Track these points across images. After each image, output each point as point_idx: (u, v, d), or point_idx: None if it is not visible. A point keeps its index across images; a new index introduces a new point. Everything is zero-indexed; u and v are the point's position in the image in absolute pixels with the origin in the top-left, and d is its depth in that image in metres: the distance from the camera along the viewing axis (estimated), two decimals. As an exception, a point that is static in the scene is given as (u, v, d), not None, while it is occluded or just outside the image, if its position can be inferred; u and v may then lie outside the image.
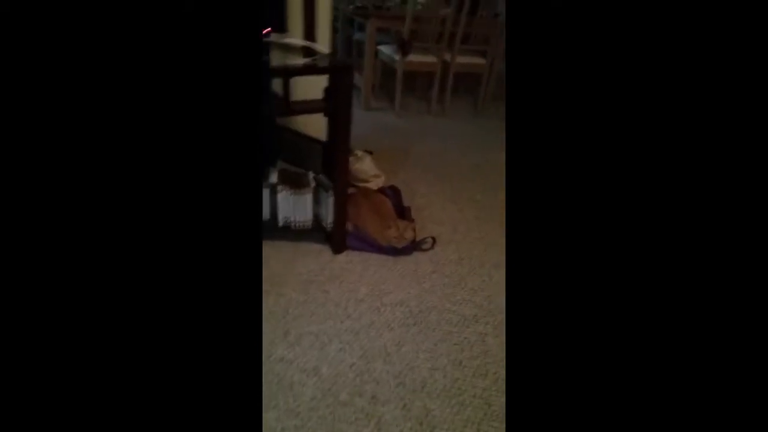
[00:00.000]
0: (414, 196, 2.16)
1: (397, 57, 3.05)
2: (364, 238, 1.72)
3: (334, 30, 3.16)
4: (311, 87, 1.45)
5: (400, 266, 1.67)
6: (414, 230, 1.71)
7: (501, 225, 2.01)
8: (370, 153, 2.20)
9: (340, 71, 1.33)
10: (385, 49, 3.25)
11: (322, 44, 1.71)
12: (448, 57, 3.15)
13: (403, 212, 1.87)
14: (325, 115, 1.53)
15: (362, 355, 1.26)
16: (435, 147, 2.79)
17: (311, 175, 1.63)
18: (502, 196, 2.28)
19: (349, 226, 1.73)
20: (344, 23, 3.99)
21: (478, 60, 3.29)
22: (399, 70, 3.07)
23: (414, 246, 1.74)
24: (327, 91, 1.43)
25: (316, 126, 1.76)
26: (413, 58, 3.06)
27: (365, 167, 2.10)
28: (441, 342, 1.35)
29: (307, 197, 1.58)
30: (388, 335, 1.35)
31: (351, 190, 1.77)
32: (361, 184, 2.09)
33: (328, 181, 1.60)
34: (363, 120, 3.08)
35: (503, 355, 1.34)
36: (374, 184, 2.14)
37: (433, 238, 1.81)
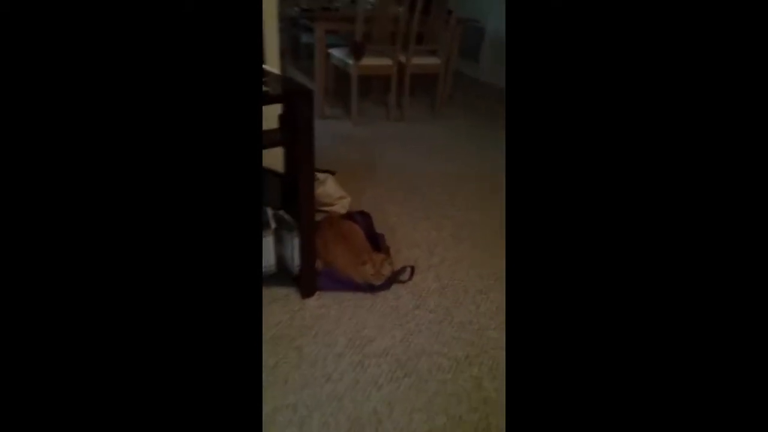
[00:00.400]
0: (385, 217, 2.00)
1: (350, 61, 2.86)
2: (337, 277, 1.54)
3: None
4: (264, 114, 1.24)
5: (380, 304, 1.51)
6: (392, 264, 1.55)
7: (477, 244, 1.89)
8: (333, 173, 2.01)
9: (296, 97, 1.13)
10: (337, 53, 3.04)
11: (271, 62, 1.49)
12: (403, 58, 2.99)
13: (377, 241, 1.70)
14: (284, 147, 1.32)
15: (350, 428, 1.10)
16: (398, 157, 2.63)
17: (270, 212, 1.42)
18: (475, 209, 2.17)
19: (319, 264, 1.54)
20: (289, 26, 3.72)
21: (433, 60, 3.17)
22: (354, 75, 2.87)
23: (392, 279, 1.58)
24: (282, 119, 1.23)
25: (270, 155, 1.54)
26: (367, 61, 2.87)
27: (329, 190, 1.91)
28: (435, 395, 1.20)
29: (268, 240, 1.37)
30: (377, 395, 1.18)
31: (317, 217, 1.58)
32: (326, 209, 1.90)
33: (290, 218, 1.40)
34: (318, 130, 2.84)
35: (503, 401, 1.22)
36: (340, 207, 1.95)
37: (412, 268, 1.66)
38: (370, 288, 1.54)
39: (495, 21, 4.22)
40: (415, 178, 2.41)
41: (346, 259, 1.56)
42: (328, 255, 1.58)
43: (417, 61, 3.07)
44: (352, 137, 2.82)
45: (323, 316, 1.44)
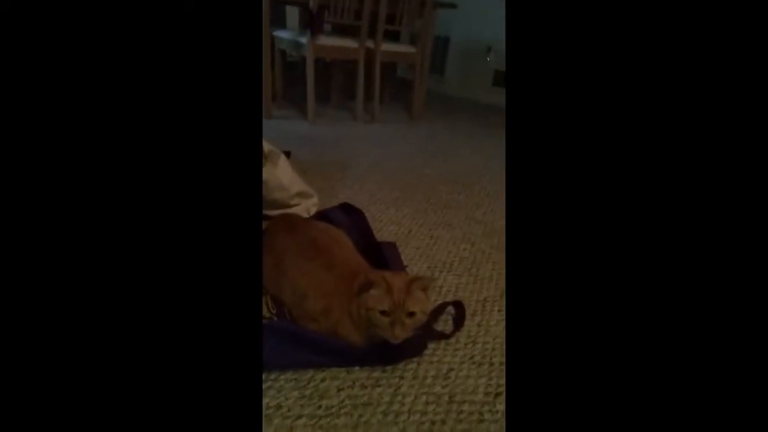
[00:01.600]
0: (379, 226, 1.19)
1: (303, 40, 2.13)
2: (303, 336, 0.69)
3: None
4: None
5: (395, 411, 0.66)
6: (426, 292, 0.72)
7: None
8: (287, 154, 1.19)
9: None
10: (285, 35, 2.32)
11: None
12: (371, 44, 2.33)
13: (379, 256, 0.88)
14: None
15: None
16: (379, 157, 1.87)
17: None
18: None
19: (268, 307, 0.69)
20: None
21: (407, 48, 2.54)
22: (309, 58, 2.14)
23: (428, 333, 0.75)
24: None
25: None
26: (327, 41, 2.17)
27: (281, 177, 1.08)
28: None
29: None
30: None
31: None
32: (278, 212, 1.07)
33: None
34: (265, 131, 2.06)
35: None
36: (302, 210, 1.12)
37: (458, 305, 0.85)
38: (379, 355, 0.70)
39: (460, 31, 3.79)
40: (407, 177, 1.64)
41: (322, 290, 0.72)
42: (284, 286, 0.74)
43: (388, 47, 2.42)
44: (313, 138, 2.04)
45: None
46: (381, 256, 0.87)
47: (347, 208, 1.07)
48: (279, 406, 0.62)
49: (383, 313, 0.66)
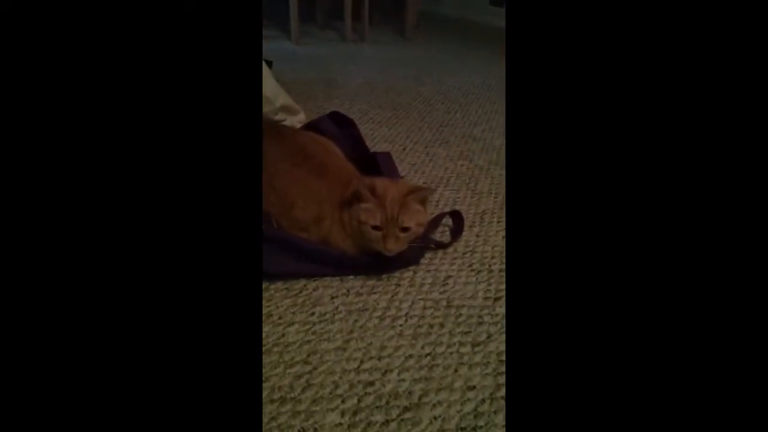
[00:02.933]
0: (372, 143, 1.12)
1: (282, -56, 1.91)
2: (295, 243, 0.65)
3: None
4: None
5: (393, 315, 0.64)
6: (425, 203, 0.67)
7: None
8: (269, 64, 1.09)
9: None
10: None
11: None
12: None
13: (372, 164, 0.82)
14: None
15: None
16: (368, 75, 1.74)
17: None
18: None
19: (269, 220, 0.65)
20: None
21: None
22: (290, -34, 1.93)
23: (425, 242, 0.72)
24: None
25: None
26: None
27: (263, 87, 0.99)
28: None
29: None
30: None
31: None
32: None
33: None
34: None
35: None
36: (289, 124, 1.05)
37: (456, 214, 0.81)
38: (374, 265, 0.66)
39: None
40: (401, 96, 1.54)
41: (313, 198, 0.67)
42: (270, 194, 0.68)
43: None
44: (298, 58, 1.89)
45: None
46: (375, 165, 0.81)
47: (337, 118, 0.99)
48: (270, 314, 0.59)
49: (375, 227, 0.62)
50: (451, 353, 0.56)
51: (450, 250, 0.75)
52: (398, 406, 0.49)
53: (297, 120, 1.09)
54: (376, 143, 1.14)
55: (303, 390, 0.50)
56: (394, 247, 0.62)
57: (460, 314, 0.62)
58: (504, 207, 0.91)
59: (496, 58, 2.39)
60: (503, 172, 1.07)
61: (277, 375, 0.51)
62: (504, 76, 1.97)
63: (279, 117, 1.04)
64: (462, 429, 0.47)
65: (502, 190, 0.98)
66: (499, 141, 1.26)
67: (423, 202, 0.67)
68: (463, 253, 0.75)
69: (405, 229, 0.63)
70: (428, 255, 0.73)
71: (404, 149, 1.13)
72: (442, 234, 0.80)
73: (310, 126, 0.97)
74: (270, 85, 1.00)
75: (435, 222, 0.79)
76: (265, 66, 1.01)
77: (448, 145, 1.19)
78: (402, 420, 0.48)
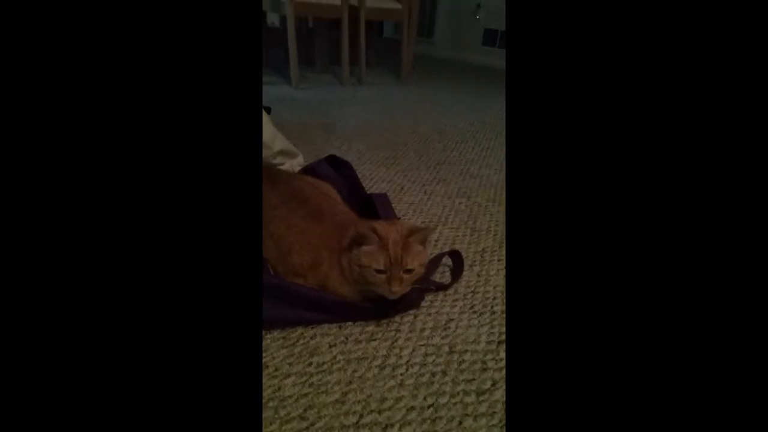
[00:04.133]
0: (369, 184, 1.13)
1: (281, -3, 2.01)
2: (290, 290, 0.64)
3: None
4: None
5: (394, 366, 0.62)
6: (425, 243, 0.67)
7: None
8: (267, 110, 1.11)
9: None
10: (262, -6, 2.18)
11: None
12: (354, 1, 2.20)
13: (369, 207, 0.82)
14: None
15: None
16: (366, 117, 1.78)
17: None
18: (500, 165, 1.36)
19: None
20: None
21: (393, 4, 2.41)
22: (289, 16, 2.02)
23: (424, 283, 0.70)
24: None
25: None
26: (307, -2, 2.04)
27: (262, 133, 1.00)
28: None
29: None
30: None
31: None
32: (260, 172, 0.99)
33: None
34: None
35: None
36: (288, 167, 1.06)
37: (456, 255, 0.80)
38: (374, 310, 0.65)
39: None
40: (398, 136, 1.57)
41: (309, 243, 0.67)
42: (266, 240, 0.68)
43: (373, 3, 2.29)
44: (297, 101, 1.94)
45: (266, 398, 0.52)
46: (372, 207, 0.81)
47: (334, 161, 1.00)
48: (266, 366, 0.57)
49: (379, 271, 0.61)
50: (455, 404, 0.53)
51: (451, 291, 0.74)
52: (400, 465, 0.46)
53: (296, 163, 1.11)
54: (374, 183, 1.14)
55: (299, 449, 0.47)
56: (398, 289, 0.61)
57: (463, 360, 0.60)
58: (503, 245, 0.90)
59: (490, 96, 2.45)
60: (501, 209, 1.07)
61: (272, 433, 0.48)
62: (498, 114, 2.02)
63: (277, 161, 1.05)
64: (469, 489, 0.44)
65: (502, 228, 0.97)
66: (497, 177, 1.27)
67: (423, 242, 0.66)
68: (464, 294, 0.73)
69: (409, 271, 0.62)
70: (428, 297, 0.72)
71: (402, 189, 1.14)
72: (442, 275, 0.78)
73: (307, 170, 0.98)
74: (268, 131, 1.01)
75: (435, 262, 0.78)
76: (263, 113, 1.03)
77: (446, 183, 1.20)
78: (405, 481, 0.44)
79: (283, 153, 1.06)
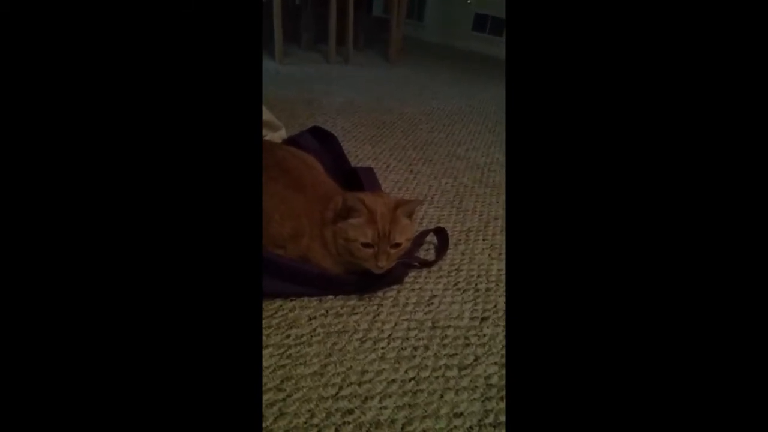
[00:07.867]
0: (355, 161, 1.10)
1: (268, -33, 1.92)
2: (277, 262, 0.61)
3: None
4: None
5: (375, 337, 0.60)
6: (412, 217, 0.65)
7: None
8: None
9: None
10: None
11: None
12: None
13: (354, 180, 0.80)
14: None
15: None
16: (351, 95, 1.74)
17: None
18: (490, 147, 1.35)
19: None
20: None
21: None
22: (275, -12, 1.94)
23: (410, 258, 0.69)
24: None
25: None
26: (294, -31, 1.97)
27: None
28: None
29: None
30: None
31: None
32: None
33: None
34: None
35: None
36: (269, 140, 1.02)
37: (439, 231, 0.79)
38: (357, 284, 0.63)
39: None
40: (385, 116, 1.54)
41: (290, 213, 0.64)
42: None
43: (363, -20, 2.23)
44: (282, 76, 1.88)
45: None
46: (357, 180, 0.79)
47: (318, 133, 0.97)
48: (242, 337, 0.55)
49: (366, 244, 0.59)
50: (437, 377, 0.52)
51: (435, 268, 0.73)
52: (379, 437, 0.45)
53: (278, 136, 1.07)
54: (359, 161, 1.12)
55: (275, 419, 0.45)
56: (385, 264, 0.59)
57: (446, 335, 0.59)
58: (488, 225, 0.89)
59: (479, 81, 2.44)
60: (488, 190, 1.06)
61: (247, 404, 0.46)
62: (487, 99, 2.01)
63: (263, 130, 1.01)
64: (449, 462, 0.43)
65: (487, 209, 0.97)
66: (483, 160, 1.26)
67: (411, 215, 0.64)
68: (449, 272, 0.72)
69: (396, 245, 0.60)
70: (412, 273, 0.70)
71: (388, 167, 1.11)
72: (426, 252, 0.77)
73: (290, 141, 0.95)
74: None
75: (419, 239, 0.76)
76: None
77: (432, 164, 1.18)
78: (383, 453, 0.43)
79: (265, 124, 1.02)
